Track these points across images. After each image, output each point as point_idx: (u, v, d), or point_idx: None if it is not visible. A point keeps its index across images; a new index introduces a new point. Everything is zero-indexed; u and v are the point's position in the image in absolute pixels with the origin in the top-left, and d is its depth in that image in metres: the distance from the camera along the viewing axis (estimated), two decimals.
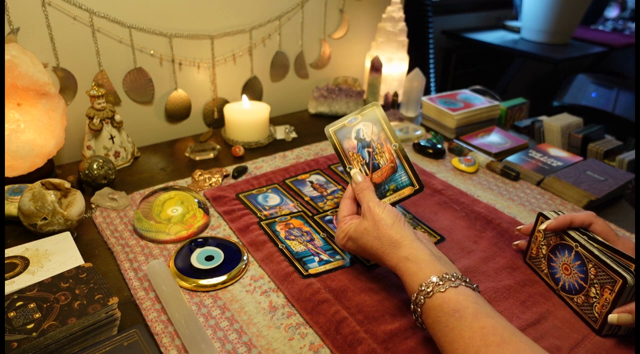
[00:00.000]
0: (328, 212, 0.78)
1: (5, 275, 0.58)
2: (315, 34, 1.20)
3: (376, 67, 1.18)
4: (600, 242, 0.57)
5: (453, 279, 0.49)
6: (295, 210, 0.78)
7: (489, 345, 0.43)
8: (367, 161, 0.66)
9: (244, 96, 1.04)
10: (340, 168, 0.91)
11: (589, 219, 0.59)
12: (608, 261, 0.54)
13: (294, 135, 1.06)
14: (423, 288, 0.49)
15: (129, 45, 0.93)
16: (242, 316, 0.57)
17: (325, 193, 0.83)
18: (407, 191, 0.64)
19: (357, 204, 0.63)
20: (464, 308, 0.46)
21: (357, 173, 0.64)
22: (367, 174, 0.65)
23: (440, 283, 0.49)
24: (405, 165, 0.65)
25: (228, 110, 1.00)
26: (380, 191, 0.64)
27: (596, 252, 0.55)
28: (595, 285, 0.55)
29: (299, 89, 1.24)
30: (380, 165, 0.65)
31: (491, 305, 0.48)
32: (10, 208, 0.71)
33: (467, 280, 0.50)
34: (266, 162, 0.94)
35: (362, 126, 0.66)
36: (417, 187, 0.64)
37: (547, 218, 0.63)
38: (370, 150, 0.66)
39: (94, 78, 0.92)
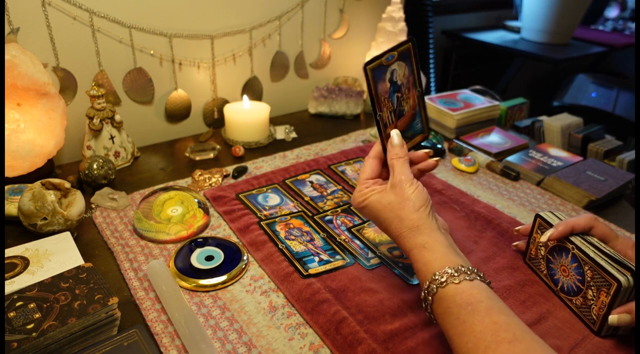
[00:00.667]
0: (328, 212, 0.78)
1: (5, 275, 0.58)
2: (315, 34, 1.20)
3: None
4: (595, 245, 0.57)
5: (468, 272, 0.48)
6: (295, 210, 0.78)
7: (500, 341, 0.42)
8: (395, 108, 0.61)
9: (245, 96, 1.04)
10: (340, 168, 0.91)
11: (589, 224, 0.59)
12: (603, 264, 0.54)
13: (294, 135, 1.06)
14: (437, 277, 0.48)
15: (129, 45, 0.93)
16: (242, 316, 0.57)
17: (325, 193, 0.83)
18: (419, 138, 0.63)
19: (383, 167, 0.60)
20: (477, 302, 0.45)
21: (396, 135, 0.58)
22: (392, 122, 0.61)
23: (455, 274, 0.48)
24: (422, 111, 0.63)
25: (228, 110, 1.00)
26: None
27: (592, 255, 0.55)
28: (592, 287, 0.55)
29: (299, 89, 1.24)
30: (404, 112, 0.62)
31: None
32: (10, 208, 0.71)
33: (482, 275, 0.49)
34: (266, 162, 0.94)
35: (396, 66, 0.61)
36: (426, 133, 0.63)
37: (544, 220, 0.63)
38: (399, 95, 0.61)
39: (94, 78, 0.92)
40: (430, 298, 0.49)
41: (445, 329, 0.47)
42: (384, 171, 0.60)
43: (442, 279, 0.48)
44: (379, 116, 0.59)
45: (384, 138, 0.59)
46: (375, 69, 0.59)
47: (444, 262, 0.49)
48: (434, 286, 0.48)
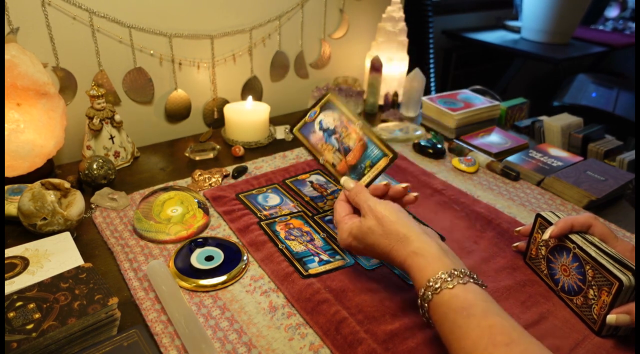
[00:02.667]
0: (328, 213, 0.78)
1: (5, 275, 0.58)
2: (315, 34, 1.20)
3: (376, 67, 1.18)
4: (597, 245, 0.57)
5: (462, 275, 0.48)
6: (295, 210, 0.78)
7: (497, 345, 0.42)
8: (338, 147, 0.67)
9: (250, 97, 1.04)
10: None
11: (588, 222, 0.59)
12: (605, 263, 0.54)
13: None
14: (431, 284, 0.48)
15: (129, 45, 0.93)
16: (242, 316, 0.57)
17: (325, 193, 0.83)
18: (382, 163, 0.65)
19: (352, 206, 0.63)
20: (472, 306, 0.46)
21: (347, 180, 0.65)
22: (340, 160, 0.66)
23: (449, 279, 0.48)
24: (373, 139, 0.66)
25: (228, 110, 1.00)
26: (358, 170, 0.64)
27: (593, 255, 0.55)
28: (593, 287, 0.55)
29: (299, 89, 1.23)
30: (350, 147, 0.67)
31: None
32: (10, 208, 0.71)
33: (475, 277, 0.50)
34: (266, 162, 0.94)
35: (322, 117, 0.68)
36: (391, 155, 0.65)
37: (545, 219, 0.63)
38: (337, 136, 0.68)
39: (94, 78, 0.91)
40: (426, 305, 0.49)
41: (443, 335, 0.47)
42: (355, 209, 0.63)
43: (437, 285, 0.48)
44: (322, 160, 0.68)
45: (338, 180, 0.67)
46: (302, 128, 0.70)
47: (437, 267, 0.50)
48: (429, 292, 0.48)
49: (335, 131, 0.68)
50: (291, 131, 0.68)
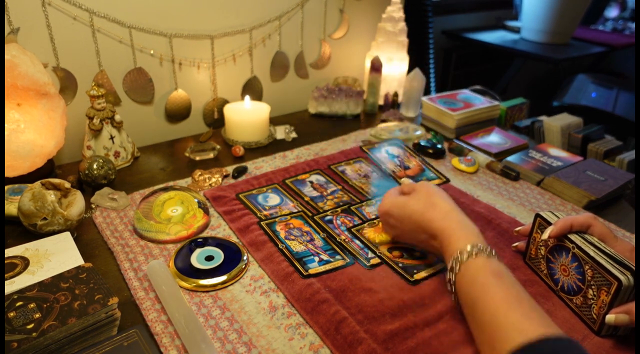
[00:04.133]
0: (328, 212, 0.78)
1: (5, 275, 0.58)
2: (315, 34, 1.20)
3: (376, 67, 1.18)
4: (596, 245, 0.57)
5: (494, 254, 0.54)
6: (295, 210, 0.78)
7: (516, 310, 0.47)
8: (399, 164, 0.92)
9: (247, 97, 1.04)
10: (340, 168, 0.91)
11: (588, 222, 0.59)
12: (604, 263, 0.54)
13: (294, 135, 1.06)
14: (470, 249, 0.53)
15: (129, 45, 0.93)
16: (242, 316, 0.57)
17: (325, 193, 0.83)
18: (437, 181, 0.88)
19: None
20: (505, 274, 0.51)
21: (406, 179, 0.73)
22: (400, 170, 0.90)
23: (488, 249, 0.54)
24: (429, 167, 0.92)
25: (228, 110, 1.00)
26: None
27: (592, 254, 0.55)
28: (593, 287, 0.55)
29: (299, 89, 1.24)
30: (410, 166, 0.91)
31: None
32: (10, 208, 0.71)
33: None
34: (266, 162, 0.94)
35: (388, 147, 0.97)
36: (444, 179, 0.88)
37: (544, 219, 0.63)
38: (400, 159, 0.93)
39: (94, 78, 0.92)
40: (458, 267, 0.53)
41: (468, 298, 0.51)
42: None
43: (474, 251, 0.53)
44: (384, 167, 0.91)
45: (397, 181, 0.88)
46: (371, 148, 0.96)
47: (475, 240, 0.55)
48: (465, 255, 0.53)
49: (398, 156, 0.93)
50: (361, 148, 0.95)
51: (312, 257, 0.67)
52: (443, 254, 0.58)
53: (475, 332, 0.51)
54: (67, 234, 0.67)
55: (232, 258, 0.65)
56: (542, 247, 0.64)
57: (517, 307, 0.47)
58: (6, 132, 0.76)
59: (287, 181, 0.86)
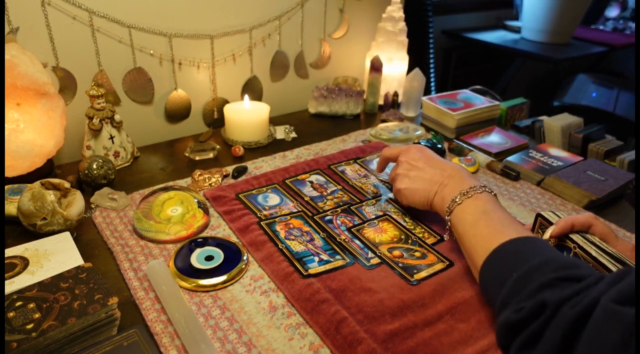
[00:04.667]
0: (328, 212, 0.78)
1: (5, 275, 0.58)
2: (315, 33, 1.20)
3: (376, 67, 1.17)
4: (597, 244, 0.57)
5: (488, 188, 0.64)
6: (295, 210, 0.78)
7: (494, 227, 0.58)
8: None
9: (246, 96, 1.04)
10: (340, 168, 0.91)
11: (589, 222, 0.59)
12: (605, 263, 0.54)
13: (293, 135, 1.06)
14: (475, 186, 0.64)
15: (129, 45, 0.93)
16: (242, 316, 0.57)
17: (325, 193, 0.83)
18: None
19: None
20: (491, 210, 0.60)
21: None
22: None
23: (485, 187, 0.64)
24: None
25: (228, 110, 1.00)
26: None
27: (594, 254, 0.55)
28: None
29: (299, 89, 1.23)
30: None
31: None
32: (10, 208, 0.71)
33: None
34: (266, 162, 0.94)
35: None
36: None
37: (545, 219, 0.63)
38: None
39: (94, 78, 0.91)
40: (459, 200, 0.63)
41: (479, 223, 0.59)
42: None
43: (478, 191, 0.63)
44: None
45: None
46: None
47: (471, 181, 0.66)
48: (472, 192, 0.63)
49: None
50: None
51: (312, 257, 0.67)
52: (447, 191, 0.66)
53: (465, 245, 0.60)
54: (67, 234, 0.67)
55: (232, 258, 0.65)
56: None
57: (495, 225, 0.57)
58: (6, 132, 0.76)
59: (287, 181, 0.86)
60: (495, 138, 1.06)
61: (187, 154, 0.94)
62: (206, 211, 0.75)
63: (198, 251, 0.66)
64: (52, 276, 0.55)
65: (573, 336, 0.39)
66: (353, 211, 0.78)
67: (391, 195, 0.83)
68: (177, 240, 0.70)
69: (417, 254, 0.68)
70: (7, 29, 0.80)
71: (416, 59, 1.60)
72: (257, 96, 1.16)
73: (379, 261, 0.67)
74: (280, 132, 1.07)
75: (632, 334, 0.35)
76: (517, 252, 0.52)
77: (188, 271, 0.62)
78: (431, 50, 1.62)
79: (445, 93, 1.18)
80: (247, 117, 1.00)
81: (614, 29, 2.38)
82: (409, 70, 1.22)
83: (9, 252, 0.62)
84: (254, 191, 0.83)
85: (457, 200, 0.63)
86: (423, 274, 0.64)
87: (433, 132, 1.09)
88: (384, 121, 1.16)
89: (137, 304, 0.58)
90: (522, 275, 0.48)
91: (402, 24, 1.22)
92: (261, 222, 0.73)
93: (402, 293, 0.61)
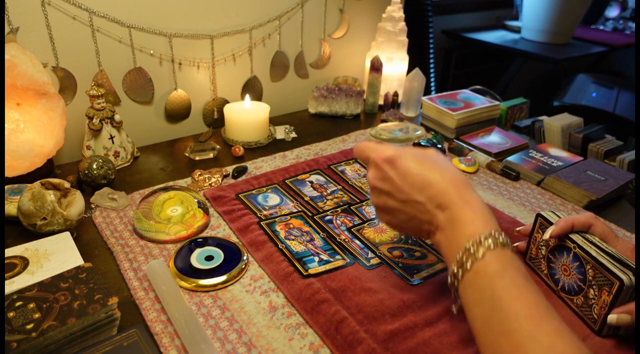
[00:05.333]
0: (328, 212, 0.78)
1: (5, 275, 0.58)
2: (315, 33, 1.20)
3: (376, 67, 1.17)
4: (597, 244, 0.57)
5: (505, 240, 0.45)
6: (295, 210, 0.78)
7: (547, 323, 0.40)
8: None
9: (247, 96, 1.04)
10: (340, 168, 0.91)
11: (589, 222, 0.59)
12: (605, 263, 0.54)
13: (293, 135, 1.06)
14: (484, 240, 0.44)
15: (129, 45, 0.93)
16: (242, 316, 0.57)
17: (325, 193, 0.83)
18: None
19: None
20: (528, 276, 0.44)
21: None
22: None
23: (505, 239, 0.45)
24: None
25: (228, 110, 1.00)
26: None
27: (594, 254, 0.55)
28: (594, 287, 0.55)
29: (299, 89, 1.23)
30: None
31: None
32: (10, 208, 0.71)
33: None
34: (266, 162, 0.94)
35: None
36: None
37: (545, 219, 0.63)
38: None
39: (94, 78, 0.91)
40: (469, 263, 0.44)
41: (496, 295, 0.43)
42: None
43: (489, 242, 0.44)
44: None
45: None
46: None
47: (486, 224, 0.46)
48: (482, 249, 0.44)
49: None
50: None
51: (312, 257, 0.67)
52: (443, 242, 0.48)
53: (485, 338, 0.43)
54: (67, 234, 0.67)
55: (232, 258, 0.65)
56: (543, 247, 0.64)
57: (548, 319, 0.40)
58: (6, 132, 0.76)
59: (287, 181, 0.86)
60: (495, 138, 1.06)
61: (187, 154, 0.94)
62: (206, 211, 0.75)
63: (198, 251, 0.66)
64: (52, 276, 0.55)
65: None
66: (353, 211, 0.78)
67: None
68: (177, 240, 0.70)
69: (417, 254, 0.68)
70: (7, 29, 0.80)
71: (416, 59, 1.60)
72: (257, 96, 1.16)
73: (379, 261, 0.67)
74: (280, 132, 1.07)
75: None
76: None
77: (188, 271, 0.62)
78: (431, 50, 1.62)
79: (445, 93, 1.18)
80: (247, 117, 1.00)
81: (614, 29, 2.38)
82: (409, 70, 1.22)
83: (9, 252, 0.62)
84: (254, 191, 0.82)
85: (466, 265, 0.45)
86: (423, 274, 0.64)
87: (433, 132, 1.09)
88: (384, 121, 1.16)
89: (137, 304, 0.58)
90: None
91: (402, 24, 1.22)
92: (261, 222, 0.73)
93: (402, 293, 0.61)
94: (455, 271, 0.46)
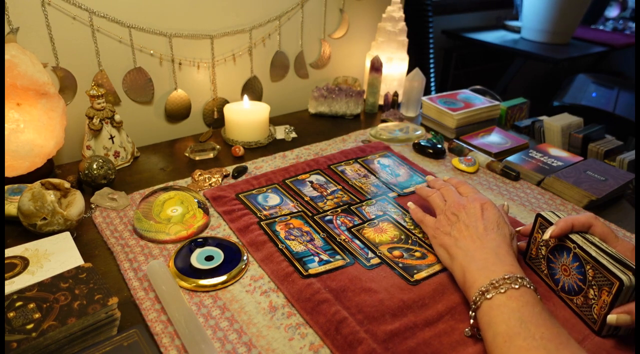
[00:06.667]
0: (328, 213, 0.78)
1: (5, 275, 0.58)
2: (315, 33, 1.20)
3: (376, 67, 1.18)
4: (597, 244, 0.57)
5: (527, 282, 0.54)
6: (295, 210, 0.78)
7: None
8: None
9: (245, 96, 1.04)
10: (340, 168, 0.91)
11: (589, 222, 0.59)
12: (605, 263, 0.54)
13: (293, 135, 1.06)
14: (508, 277, 0.53)
15: (129, 45, 0.93)
16: (242, 316, 0.57)
17: (325, 193, 0.83)
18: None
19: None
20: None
21: (411, 204, 0.76)
22: None
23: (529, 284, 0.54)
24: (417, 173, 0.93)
25: (228, 110, 1.00)
26: None
27: (594, 254, 0.55)
28: (594, 287, 0.55)
29: (299, 89, 1.23)
30: (400, 174, 0.93)
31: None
32: (10, 208, 0.71)
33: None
34: (266, 162, 0.94)
35: None
36: None
37: (545, 219, 0.63)
38: None
39: (94, 78, 0.91)
40: (489, 295, 0.52)
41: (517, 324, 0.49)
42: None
43: (515, 283, 0.53)
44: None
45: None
46: None
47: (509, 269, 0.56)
48: (505, 286, 0.52)
49: (389, 165, 0.95)
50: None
51: (312, 257, 0.67)
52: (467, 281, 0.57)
53: (504, 351, 0.47)
54: (67, 234, 0.67)
55: (232, 258, 0.65)
56: (543, 248, 0.64)
57: (566, 344, 0.46)
58: (6, 132, 0.76)
59: (287, 181, 0.86)
60: (495, 138, 1.06)
61: (187, 154, 0.94)
62: (206, 211, 0.75)
63: (198, 251, 0.66)
64: (52, 276, 0.55)
65: None
66: (353, 211, 0.78)
67: (392, 195, 0.84)
68: (177, 240, 0.70)
69: (417, 254, 0.68)
70: (7, 29, 0.80)
71: (416, 59, 1.60)
72: (257, 96, 1.16)
73: (379, 261, 0.67)
74: (280, 132, 1.07)
75: None
76: None
77: (188, 271, 0.62)
78: (431, 50, 1.62)
79: (445, 93, 1.18)
80: (247, 117, 1.00)
81: (613, 29, 2.38)
82: (409, 70, 1.22)
83: (9, 252, 0.62)
84: (254, 191, 0.83)
85: (487, 294, 0.52)
86: (423, 274, 0.64)
87: (433, 132, 1.09)
88: (384, 121, 1.16)
89: (137, 304, 0.58)
90: None
91: (402, 24, 1.22)
92: (261, 222, 0.73)
93: (402, 293, 0.61)
94: (476, 299, 0.53)
